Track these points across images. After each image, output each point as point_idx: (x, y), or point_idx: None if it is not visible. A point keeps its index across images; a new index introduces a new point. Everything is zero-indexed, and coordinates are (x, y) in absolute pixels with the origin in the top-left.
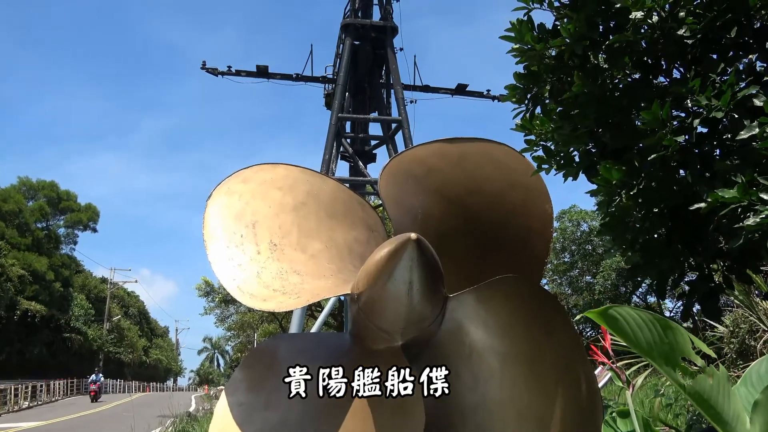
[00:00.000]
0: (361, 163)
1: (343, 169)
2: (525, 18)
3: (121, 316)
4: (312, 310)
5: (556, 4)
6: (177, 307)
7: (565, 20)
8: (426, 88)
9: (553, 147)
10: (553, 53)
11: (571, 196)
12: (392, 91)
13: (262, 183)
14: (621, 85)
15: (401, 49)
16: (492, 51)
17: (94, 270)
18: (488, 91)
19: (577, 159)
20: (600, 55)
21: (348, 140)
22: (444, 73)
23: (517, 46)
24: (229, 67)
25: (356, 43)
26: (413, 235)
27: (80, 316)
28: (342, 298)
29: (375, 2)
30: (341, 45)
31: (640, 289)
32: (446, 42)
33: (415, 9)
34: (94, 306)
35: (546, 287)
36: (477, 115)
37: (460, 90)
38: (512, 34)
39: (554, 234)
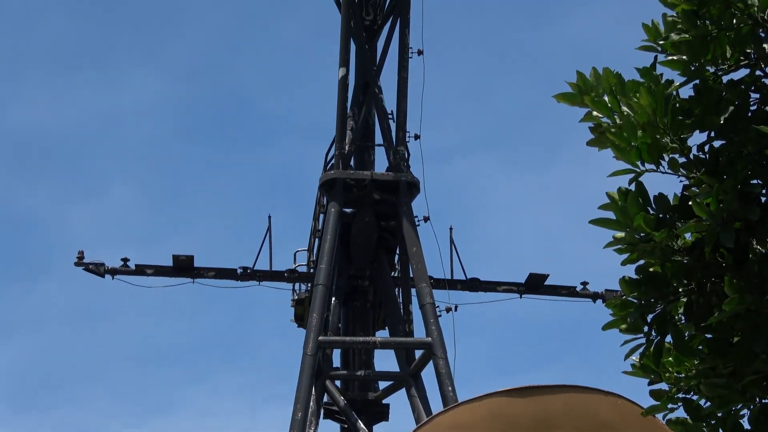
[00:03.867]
0: (361, 425)
1: None
2: (632, 187)
3: None
4: None
5: (682, 160)
6: None
7: (702, 187)
8: (473, 284)
9: (702, 402)
10: (689, 237)
11: None
12: (413, 291)
13: None
14: None
15: (426, 219)
16: (589, 210)
17: None
18: (585, 285)
19: (746, 425)
20: None
21: (337, 383)
22: (504, 256)
23: (620, 234)
24: (125, 260)
25: (348, 211)
26: None
27: None
28: None
29: (378, 141)
30: (321, 215)
31: None
32: (507, 198)
33: (447, 146)
34: None
35: None
36: (566, 328)
37: (534, 285)
38: (611, 215)
39: None
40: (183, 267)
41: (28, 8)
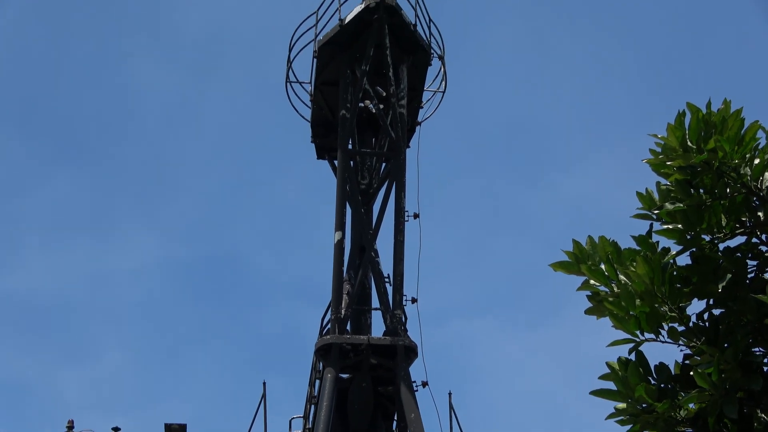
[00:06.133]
0: None
1: None
2: (632, 357)
3: None
4: None
5: (681, 329)
6: None
7: (703, 356)
8: None
9: None
10: (692, 407)
11: None
12: None
13: None
14: None
15: (425, 384)
16: (591, 374)
17: None
18: None
19: None
20: None
21: None
22: (505, 420)
23: (622, 405)
24: (116, 430)
25: (344, 377)
26: None
27: None
28: None
29: (374, 305)
30: (317, 381)
31: None
32: (506, 361)
33: (444, 308)
34: None
35: None
36: None
37: None
38: (612, 385)
39: None
40: None
41: (27, 173)
